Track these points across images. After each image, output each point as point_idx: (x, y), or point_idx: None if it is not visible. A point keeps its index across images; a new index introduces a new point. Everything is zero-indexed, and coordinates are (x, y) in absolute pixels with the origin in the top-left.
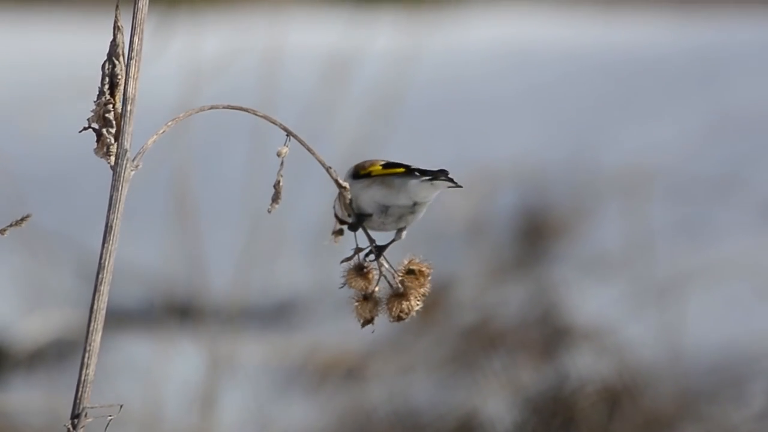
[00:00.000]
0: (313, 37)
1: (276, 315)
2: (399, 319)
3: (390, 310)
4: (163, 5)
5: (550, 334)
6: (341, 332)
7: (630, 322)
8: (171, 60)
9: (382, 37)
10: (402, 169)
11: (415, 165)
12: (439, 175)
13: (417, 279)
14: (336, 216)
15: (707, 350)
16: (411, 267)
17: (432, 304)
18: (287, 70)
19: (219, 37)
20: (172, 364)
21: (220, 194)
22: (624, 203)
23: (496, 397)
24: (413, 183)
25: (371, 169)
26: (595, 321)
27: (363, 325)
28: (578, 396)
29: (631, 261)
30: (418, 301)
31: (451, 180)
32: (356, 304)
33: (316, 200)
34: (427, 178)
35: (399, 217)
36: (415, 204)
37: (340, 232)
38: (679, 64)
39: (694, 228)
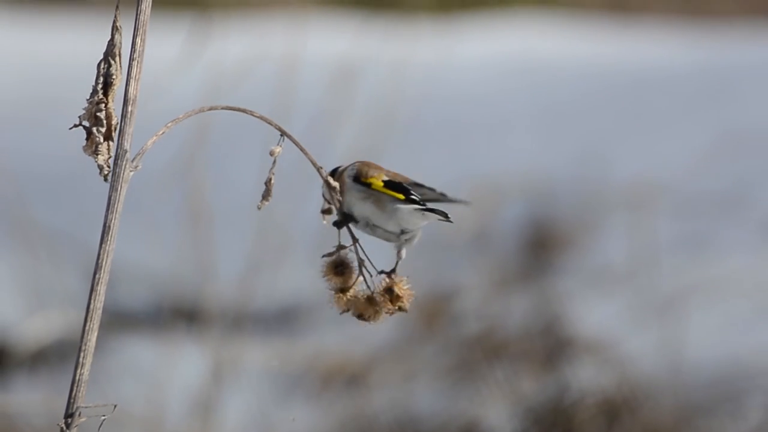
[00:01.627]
0: (325, 44)
1: (280, 320)
2: (360, 318)
3: (357, 309)
4: (189, 14)
5: (553, 346)
6: (345, 339)
7: (631, 336)
8: (195, 66)
9: (392, 48)
10: (402, 196)
11: (414, 191)
12: (434, 210)
13: (391, 300)
14: (324, 197)
15: (707, 365)
16: (391, 286)
17: (436, 312)
18: (302, 77)
19: (239, 45)
20: (176, 367)
21: (230, 199)
22: (629, 218)
23: (497, 407)
24: (405, 210)
25: (372, 180)
26: (597, 333)
27: (341, 312)
28: (578, 407)
29: (634, 275)
30: (382, 314)
31: (446, 216)
32: (333, 294)
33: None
34: (421, 207)
35: (385, 239)
36: (402, 232)
37: (328, 211)
38: (688, 81)
39: (697, 244)
